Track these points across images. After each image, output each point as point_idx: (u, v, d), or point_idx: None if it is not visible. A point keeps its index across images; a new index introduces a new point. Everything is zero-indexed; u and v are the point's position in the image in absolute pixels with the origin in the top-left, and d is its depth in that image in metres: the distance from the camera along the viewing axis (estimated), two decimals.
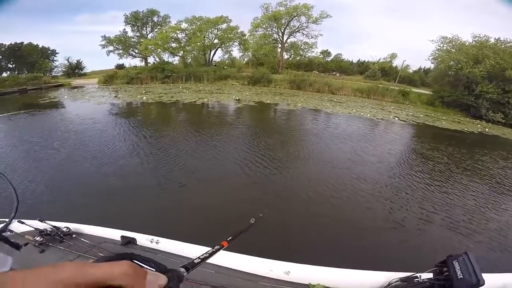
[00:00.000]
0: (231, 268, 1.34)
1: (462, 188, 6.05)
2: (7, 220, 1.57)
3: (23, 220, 1.62)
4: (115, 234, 1.58)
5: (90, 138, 7.66)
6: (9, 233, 1.53)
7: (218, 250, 0.93)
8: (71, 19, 77.38)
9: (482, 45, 24.17)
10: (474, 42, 25.06)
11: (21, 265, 0.64)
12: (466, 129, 15.36)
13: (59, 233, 1.53)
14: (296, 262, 1.31)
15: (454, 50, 25.35)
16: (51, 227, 1.56)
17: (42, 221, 1.61)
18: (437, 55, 27.03)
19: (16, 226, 1.59)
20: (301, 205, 4.58)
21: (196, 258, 0.76)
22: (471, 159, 8.67)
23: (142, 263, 0.34)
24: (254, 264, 1.34)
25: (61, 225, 1.61)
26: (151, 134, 8.40)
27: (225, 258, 1.37)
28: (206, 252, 0.88)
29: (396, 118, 15.28)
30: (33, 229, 1.56)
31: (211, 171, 5.72)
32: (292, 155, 7.07)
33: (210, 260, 1.29)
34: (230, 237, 1.05)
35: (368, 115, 15.21)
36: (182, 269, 0.43)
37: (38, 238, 1.47)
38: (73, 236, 1.57)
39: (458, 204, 5.17)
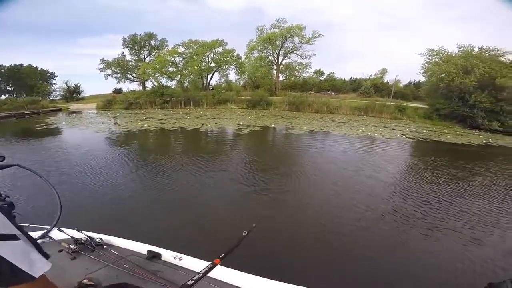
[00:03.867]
0: None
1: None
2: (48, 227, 1.72)
3: (62, 229, 1.76)
4: (142, 248, 1.64)
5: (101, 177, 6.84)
6: (48, 239, 1.68)
7: (211, 269, 0.95)
8: (68, 41, 79.81)
9: (468, 55, 25.10)
10: (460, 53, 26.01)
11: (51, 271, 0.72)
12: (472, 142, 15.48)
13: (92, 243, 1.62)
14: None
15: (441, 62, 26.16)
16: (86, 237, 1.67)
17: (79, 231, 1.75)
18: (427, 68, 27.89)
19: (55, 234, 1.73)
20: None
21: (189, 280, 0.78)
22: (504, 171, 8.79)
23: None
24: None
25: (95, 235, 1.72)
26: (161, 167, 7.64)
27: (242, 280, 1.32)
28: (199, 272, 0.90)
29: (404, 136, 15.29)
30: (70, 237, 1.68)
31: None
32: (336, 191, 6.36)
33: (227, 281, 1.31)
34: (223, 254, 1.07)
35: (376, 134, 15.17)
36: None
37: (72, 246, 1.56)
38: (104, 246, 1.64)
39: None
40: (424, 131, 18.73)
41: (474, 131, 22.01)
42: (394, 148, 12.10)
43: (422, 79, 32.99)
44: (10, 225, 0.75)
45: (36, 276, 0.71)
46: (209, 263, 1.01)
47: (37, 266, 0.72)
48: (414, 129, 19.16)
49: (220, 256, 1.05)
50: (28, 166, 1.53)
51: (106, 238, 1.74)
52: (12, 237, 0.72)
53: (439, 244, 4.26)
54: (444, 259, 3.86)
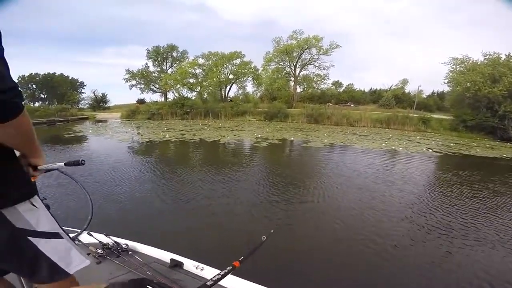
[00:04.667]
0: None
1: None
2: (79, 230, 1.77)
3: (91, 233, 1.85)
4: (165, 256, 1.68)
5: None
6: (77, 242, 1.71)
7: (230, 271, 0.93)
8: (95, 51, 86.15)
9: (494, 63, 24.04)
10: (486, 61, 24.92)
11: (77, 274, 0.73)
12: (504, 155, 14.52)
13: (118, 248, 1.68)
14: None
15: (466, 71, 25.12)
16: (113, 242, 1.75)
17: (107, 236, 1.83)
18: (451, 77, 26.87)
19: (84, 237, 1.82)
20: None
21: (208, 281, 0.76)
22: None
23: None
24: None
25: (122, 241, 1.79)
26: (180, 177, 7.54)
27: None
28: (218, 274, 0.88)
29: (430, 150, 14.60)
30: (98, 241, 1.76)
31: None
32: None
33: None
34: (242, 257, 1.08)
35: (400, 148, 14.60)
36: None
37: (99, 251, 1.63)
38: (129, 253, 1.68)
39: None
40: (451, 144, 17.87)
41: (505, 143, 20.69)
42: (421, 162, 11.57)
43: (446, 89, 31.91)
44: (56, 224, 0.80)
45: (71, 272, 0.76)
46: (228, 267, 1.04)
47: (74, 263, 0.77)
48: (440, 142, 18.33)
49: (240, 259, 1.07)
50: (66, 171, 1.61)
51: (132, 244, 1.80)
52: (56, 235, 0.77)
53: (489, 258, 4.01)
54: (492, 273, 3.64)
